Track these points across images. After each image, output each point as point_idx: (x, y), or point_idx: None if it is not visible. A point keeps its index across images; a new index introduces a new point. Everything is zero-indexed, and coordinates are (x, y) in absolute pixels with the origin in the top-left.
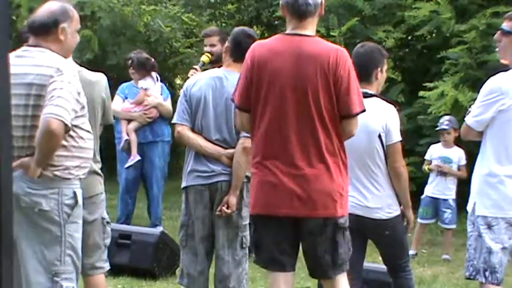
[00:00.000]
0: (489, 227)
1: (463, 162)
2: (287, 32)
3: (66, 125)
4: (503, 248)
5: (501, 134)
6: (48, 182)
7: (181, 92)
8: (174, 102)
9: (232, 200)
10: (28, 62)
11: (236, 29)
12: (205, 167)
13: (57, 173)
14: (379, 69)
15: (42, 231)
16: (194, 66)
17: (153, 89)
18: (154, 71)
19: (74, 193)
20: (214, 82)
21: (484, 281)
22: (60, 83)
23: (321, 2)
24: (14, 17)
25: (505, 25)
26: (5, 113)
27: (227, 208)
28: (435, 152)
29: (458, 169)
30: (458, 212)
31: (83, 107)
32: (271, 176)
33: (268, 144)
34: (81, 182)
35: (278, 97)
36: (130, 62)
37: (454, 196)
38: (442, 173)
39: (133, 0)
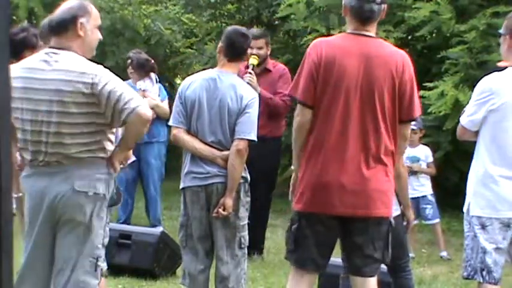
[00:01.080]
0: (483, 227)
1: (431, 159)
2: (350, 31)
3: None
4: (497, 248)
5: (493, 134)
6: (100, 166)
7: (177, 94)
8: (174, 102)
9: (228, 202)
10: (54, 66)
11: (229, 28)
12: (201, 168)
13: (104, 155)
14: None
15: (88, 216)
16: (249, 71)
17: (151, 90)
18: (153, 72)
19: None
20: (208, 83)
21: (481, 280)
22: (107, 84)
23: (384, 7)
24: (14, 17)
25: (503, 27)
26: (5, 113)
27: (223, 210)
28: None
29: (428, 166)
30: (457, 211)
31: None
32: (326, 175)
33: (328, 142)
34: None
35: (345, 96)
36: (129, 61)
37: (431, 191)
38: (413, 172)
39: (134, 1)
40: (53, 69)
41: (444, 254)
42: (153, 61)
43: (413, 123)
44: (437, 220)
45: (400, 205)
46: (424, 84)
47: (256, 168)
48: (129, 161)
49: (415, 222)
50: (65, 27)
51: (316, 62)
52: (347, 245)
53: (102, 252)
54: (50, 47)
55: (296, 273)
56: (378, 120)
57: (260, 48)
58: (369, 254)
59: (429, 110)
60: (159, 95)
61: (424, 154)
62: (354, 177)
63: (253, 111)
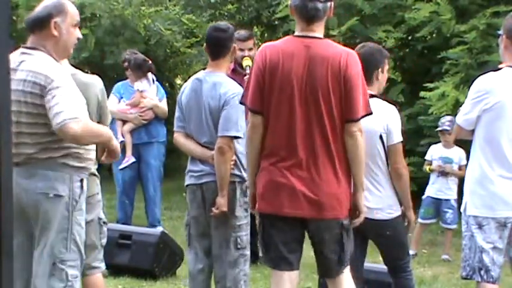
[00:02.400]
0: (480, 226)
1: (464, 162)
2: (296, 33)
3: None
4: (495, 248)
5: (488, 133)
6: (62, 168)
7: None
8: (174, 103)
9: (220, 200)
10: (21, 66)
11: (208, 27)
12: (197, 167)
13: (68, 161)
14: (379, 69)
15: (47, 218)
16: (247, 72)
17: (148, 91)
18: (151, 72)
19: (81, 180)
20: (196, 85)
21: (480, 280)
22: (54, 90)
23: (330, 5)
24: (14, 17)
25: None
26: (5, 113)
27: (216, 209)
28: (436, 153)
29: (460, 169)
30: (459, 212)
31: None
32: (280, 177)
33: (279, 146)
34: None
35: (290, 100)
36: (126, 63)
37: (455, 196)
38: (444, 174)
39: (134, 2)
40: (21, 69)
41: (446, 256)
42: (150, 61)
43: (447, 123)
44: (455, 226)
45: (400, 205)
46: (425, 85)
47: None
48: (128, 163)
49: (433, 221)
50: (39, 26)
51: (261, 68)
52: (313, 248)
53: (68, 256)
54: (24, 46)
55: (274, 274)
56: (323, 121)
57: (250, 49)
58: (326, 256)
59: (430, 111)
60: (157, 95)
61: (458, 156)
62: (301, 179)
63: (231, 108)
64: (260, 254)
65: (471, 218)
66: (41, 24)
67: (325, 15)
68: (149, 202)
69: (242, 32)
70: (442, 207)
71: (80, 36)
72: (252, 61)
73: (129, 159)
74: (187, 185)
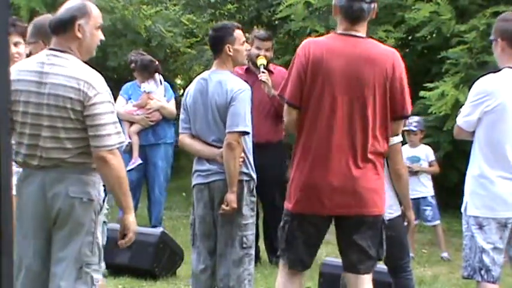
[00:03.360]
0: (480, 227)
1: (432, 157)
2: (340, 31)
3: (118, 148)
4: (495, 248)
5: (488, 135)
6: (93, 173)
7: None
8: (176, 103)
9: (230, 197)
10: (51, 70)
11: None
12: (203, 166)
13: (94, 165)
14: None
15: (79, 222)
16: (262, 70)
17: (156, 92)
18: (158, 73)
19: (104, 185)
20: (201, 85)
21: (480, 279)
22: (99, 105)
23: (374, 7)
24: (14, 17)
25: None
26: (4, 113)
27: (226, 206)
28: (403, 153)
29: (430, 165)
30: (456, 211)
31: None
32: (318, 176)
33: (317, 143)
34: None
35: (332, 96)
36: (133, 64)
37: (432, 193)
38: (413, 173)
39: (134, 1)
40: (54, 72)
41: (445, 254)
42: (157, 62)
43: (414, 124)
44: (438, 222)
45: (400, 205)
46: (425, 85)
47: (269, 173)
48: (135, 164)
49: (416, 222)
50: (63, 28)
51: (303, 63)
52: (342, 243)
53: (92, 259)
54: (50, 49)
55: (287, 272)
56: (367, 119)
57: (268, 49)
58: (363, 251)
59: (429, 111)
60: (165, 95)
61: (424, 153)
62: (342, 176)
63: (239, 103)
64: (278, 252)
65: (471, 219)
66: (65, 26)
67: (369, 16)
68: (154, 203)
69: (262, 32)
70: (420, 206)
71: (103, 38)
72: (268, 61)
73: (136, 160)
74: (194, 185)
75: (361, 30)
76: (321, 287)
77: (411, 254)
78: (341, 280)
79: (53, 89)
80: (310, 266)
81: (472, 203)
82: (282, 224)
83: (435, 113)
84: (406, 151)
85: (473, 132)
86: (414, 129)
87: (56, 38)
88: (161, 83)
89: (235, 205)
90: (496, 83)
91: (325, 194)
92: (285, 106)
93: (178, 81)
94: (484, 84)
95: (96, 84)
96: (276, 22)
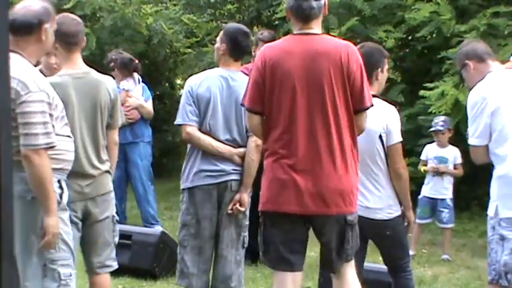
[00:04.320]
0: None
1: (459, 160)
2: (295, 32)
3: (45, 149)
4: None
5: (503, 133)
6: None
7: (184, 93)
8: (174, 102)
9: (245, 197)
10: None
11: (230, 28)
12: (214, 166)
13: None
14: (379, 69)
15: (30, 221)
16: None
17: (134, 91)
18: (137, 72)
19: (59, 181)
20: (221, 82)
21: (506, 284)
22: (29, 103)
23: (324, 2)
24: None
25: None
26: (5, 114)
27: (240, 205)
28: (430, 152)
29: (455, 168)
30: (456, 211)
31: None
32: (283, 174)
33: (281, 144)
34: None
35: (292, 96)
36: (112, 63)
37: (451, 195)
38: (439, 173)
39: (134, 0)
40: None
41: (446, 256)
42: (137, 61)
43: (440, 123)
44: (452, 225)
45: (400, 205)
46: (424, 85)
47: None
48: None
49: (428, 221)
50: (29, 31)
51: (260, 68)
52: (319, 242)
53: (58, 255)
54: None
55: (276, 274)
56: (328, 116)
57: None
58: (328, 251)
59: (429, 110)
60: (142, 95)
61: (453, 155)
62: (307, 176)
63: None
64: (260, 254)
65: (504, 221)
66: (32, 29)
67: (320, 12)
68: (140, 201)
69: (266, 33)
70: (437, 207)
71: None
72: None
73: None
74: (199, 185)
75: (315, 27)
76: (321, 287)
77: (412, 252)
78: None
79: None
80: (299, 266)
81: (503, 205)
82: (259, 225)
83: (435, 112)
84: (435, 150)
85: (487, 146)
86: (441, 128)
87: (13, 38)
88: (139, 83)
89: (247, 206)
90: (487, 87)
91: (289, 193)
92: (247, 113)
93: (178, 81)
94: (476, 93)
95: (30, 83)
96: (276, 22)
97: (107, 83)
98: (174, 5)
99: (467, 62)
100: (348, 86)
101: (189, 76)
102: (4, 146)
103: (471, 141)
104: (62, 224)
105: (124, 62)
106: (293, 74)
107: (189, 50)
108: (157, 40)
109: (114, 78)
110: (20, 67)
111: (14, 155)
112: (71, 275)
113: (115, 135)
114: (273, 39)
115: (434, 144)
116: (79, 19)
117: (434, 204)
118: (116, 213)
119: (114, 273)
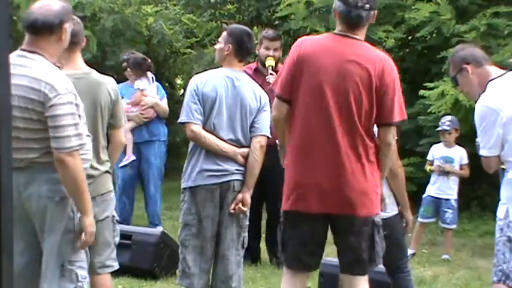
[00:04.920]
0: None
1: (465, 161)
2: (336, 32)
3: (77, 150)
4: None
5: None
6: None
7: (188, 91)
8: (174, 102)
9: (248, 197)
10: (19, 71)
11: (235, 29)
12: (217, 166)
13: None
14: None
15: (55, 221)
16: (270, 72)
17: (148, 89)
18: (150, 71)
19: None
20: (226, 82)
21: None
22: (59, 106)
23: (374, 13)
24: (14, 17)
25: (451, 72)
26: (5, 114)
27: (243, 205)
28: (437, 152)
29: (461, 168)
30: (460, 212)
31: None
32: (306, 175)
33: (308, 142)
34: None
35: (318, 94)
36: (125, 63)
37: (456, 196)
38: (444, 173)
39: (134, 1)
40: (20, 73)
41: (446, 256)
42: (149, 60)
43: (447, 123)
44: (455, 226)
45: (398, 205)
46: (424, 84)
47: (274, 174)
48: (129, 160)
49: (432, 220)
50: (51, 31)
51: (294, 58)
52: (337, 244)
53: (76, 257)
54: (21, 49)
55: (287, 273)
56: (353, 119)
57: (276, 49)
58: (356, 253)
59: (429, 110)
60: (157, 94)
61: (459, 155)
62: (331, 177)
63: (269, 109)
64: (278, 252)
65: None
66: (53, 29)
67: (367, 22)
68: (150, 201)
69: (270, 32)
70: (441, 207)
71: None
72: (276, 62)
73: (129, 157)
74: (201, 185)
75: (359, 34)
76: (321, 287)
77: (412, 251)
78: (339, 281)
79: (16, 90)
80: (314, 266)
81: None
82: (279, 225)
83: (435, 112)
84: (441, 150)
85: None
86: (447, 128)
87: (34, 38)
88: (153, 81)
89: (249, 206)
90: (493, 98)
91: (314, 192)
92: (275, 100)
93: (178, 81)
94: (484, 105)
95: (58, 85)
96: (276, 22)
97: (108, 84)
98: (174, 5)
99: (465, 66)
100: (377, 98)
101: (189, 76)
102: (4, 146)
103: (483, 152)
104: (79, 226)
105: (137, 61)
106: (323, 73)
107: (189, 50)
108: (157, 40)
109: (127, 78)
110: (45, 69)
111: (41, 157)
112: (85, 278)
113: (119, 135)
114: (277, 37)
115: (441, 144)
116: (78, 19)
117: (438, 204)
118: (122, 212)
119: (114, 273)
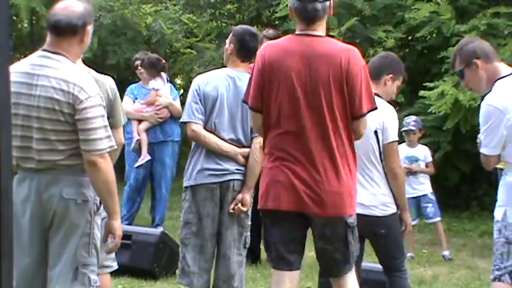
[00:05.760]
0: None
1: (430, 159)
2: (297, 32)
3: (109, 152)
4: None
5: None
6: (86, 174)
7: (191, 91)
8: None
9: (247, 198)
10: (44, 72)
11: (238, 29)
12: (217, 165)
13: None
14: (390, 75)
15: (74, 224)
16: None
17: (163, 90)
18: (164, 72)
19: None
20: (228, 82)
21: (510, 282)
22: (90, 109)
23: (329, 4)
24: (14, 17)
25: (457, 66)
26: (5, 114)
27: (242, 205)
28: (401, 153)
29: (426, 166)
30: (456, 211)
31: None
32: (282, 176)
33: (280, 145)
34: None
35: (290, 96)
36: (140, 62)
37: (430, 189)
38: (412, 173)
39: (134, 0)
40: (45, 74)
41: (446, 253)
42: (164, 61)
43: (412, 123)
44: (439, 218)
45: (397, 206)
46: (424, 84)
47: None
48: (144, 160)
49: (416, 221)
50: (74, 32)
51: (260, 66)
52: (315, 247)
53: (89, 260)
54: (43, 50)
55: (274, 273)
56: (325, 119)
57: None
58: (329, 254)
59: (429, 110)
60: (170, 94)
61: (423, 154)
62: (304, 176)
63: None
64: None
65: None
66: (76, 31)
67: (325, 14)
68: (159, 201)
69: (271, 31)
70: (421, 204)
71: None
72: None
73: (145, 157)
74: (202, 184)
75: (319, 29)
76: (321, 286)
77: (411, 254)
78: None
79: (43, 91)
80: (297, 265)
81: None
82: (262, 226)
83: (435, 112)
84: (405, 150)
85: (499, 155)
86: (413, 128)
87: (56, 40)
88: (167, 82)
89: (249, 206)
90: (500, 99)
91: (286, 191)
92: (250, 112)
93: (178, 81)
94: (490, 105)
95: (87, 87)
96: (276, 22)
97: (106, 83)
98: (174, 5)
99: (474, 60)
100: (346, 91)
101: (189, 76)
102: (4, 146)
103: (484, 150)
104: (96, 230)
105: (152, 62)
106: (292, 74)
107: (189, 50)
108: (156, 40)
109: (139, 78)
110: (72, 70)
111: (66, 159)
112: (96, 282)
113: (119, 135)
114: (278, 37)
115: (404, 144)
116: None
117: (418, 203)
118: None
119: (114, 273)
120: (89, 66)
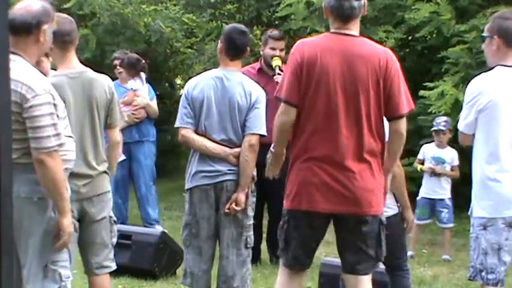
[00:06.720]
0: (485, 228)
1: (456, 162)
2: (333, 31)
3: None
4: (499, 249)
5: (485, 135)
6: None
7: (182, 96)
8: (174, 103)
9: (241, 197)
10: None
11: (227, 27)
12: (210, 167)
13: None
14: None
15: (33, 222)
16: (277, 72)
17: (141, 90)
18: (144, 72)
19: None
20: (215, 82)
21: (481, 282)
22: (37, 107)
23: (364, 2)
24: None
25: (486, 30)
26: (5, 115)
27: (236, 205)
28: (428, 152)
29: (452, 169)
30: (456, 211)
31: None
32: (316, 177)
33: (314, 142)
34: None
35: (327, 95)
36: (119, 61)
37: (449, 195)
38: (436, 174)
39: (134, 0)
40: None
41: (446, 256)
42: (144, 61)
43: (443, 123)
44: (452, 225)
45: (398, 205)
46: (424, 84)
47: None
48: (119, 160)
49: (429, 221)
50: (27, 31)
51: (299, 62)
52: (340, 243)
53: (59, 256)
54: None
55: (286, 272)
56: (361, 119)
57: (282, 49)
58: (361, 251)
59: (429, 110)
60: (148, 95)
61: (450, 157)
62: (338, 175)
63: (262, 106)
64: (278, 251)
65: (477, 220)
66: (30, 30)
67: (360, 13)
68: (141, 201)
69: (275, 32)
70: (436, 207)
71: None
72: (282, 62)
73: (120, 156)
74: (196, 186)
75: (354, 28)
76: (321, 287)
77: (411, 253)
78: (340, 281)
79: None
80: (308, 266)
81: (477, 205)
82: (281, 223)
83: (435, 112)
84: (432, 150)
85: (473, 135)
86: (443, 128)
87: (12, 39)
88: (145, 82)
89: (243, 205)
90: (488, 81)
91: (320, 191)
92: (282, 106)
93: (178, 81)
94: (476, 83)
95: (35, 86)
96: (276, 22)
97: (104, 82)
98: (174, 4)
99: (496, 36)
100: (384, 92)
101: (189, 76)
102: (4, 146)
103: (460, 125)
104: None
105: (131, 62)
106: (331, 72)
107: (189, 50)
108: (156, 39)
109: (116, 77)
110: (22, 69)
111: (20, 158)
112: (69, 277)
113: (116, 134)
114: (283, 37)
115: (432, 144)
116: (71, 18)
117: (433, 205)
118: (118, 212)
119: (114, 273)
120: (88, 66)
